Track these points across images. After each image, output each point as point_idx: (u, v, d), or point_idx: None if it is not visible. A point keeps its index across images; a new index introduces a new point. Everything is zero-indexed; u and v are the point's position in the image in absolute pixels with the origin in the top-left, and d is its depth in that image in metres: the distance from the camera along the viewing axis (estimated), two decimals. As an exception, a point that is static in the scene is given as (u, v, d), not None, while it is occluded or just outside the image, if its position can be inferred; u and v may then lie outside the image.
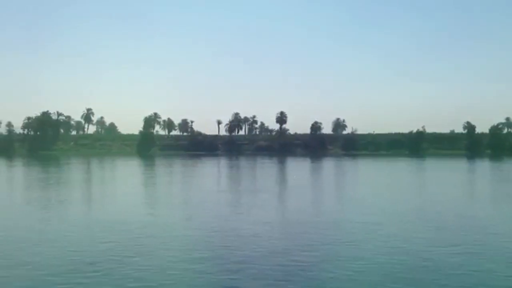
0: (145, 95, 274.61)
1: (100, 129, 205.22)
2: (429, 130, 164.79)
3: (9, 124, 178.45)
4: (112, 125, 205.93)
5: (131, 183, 55.21)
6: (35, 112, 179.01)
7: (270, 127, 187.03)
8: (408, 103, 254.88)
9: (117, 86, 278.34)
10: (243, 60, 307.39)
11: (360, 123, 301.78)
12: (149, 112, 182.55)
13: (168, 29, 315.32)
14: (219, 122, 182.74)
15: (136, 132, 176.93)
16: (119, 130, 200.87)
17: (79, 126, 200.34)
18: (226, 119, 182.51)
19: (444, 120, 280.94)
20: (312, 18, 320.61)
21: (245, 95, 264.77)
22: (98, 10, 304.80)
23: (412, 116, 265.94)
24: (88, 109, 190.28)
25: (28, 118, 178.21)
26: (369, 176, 69.26)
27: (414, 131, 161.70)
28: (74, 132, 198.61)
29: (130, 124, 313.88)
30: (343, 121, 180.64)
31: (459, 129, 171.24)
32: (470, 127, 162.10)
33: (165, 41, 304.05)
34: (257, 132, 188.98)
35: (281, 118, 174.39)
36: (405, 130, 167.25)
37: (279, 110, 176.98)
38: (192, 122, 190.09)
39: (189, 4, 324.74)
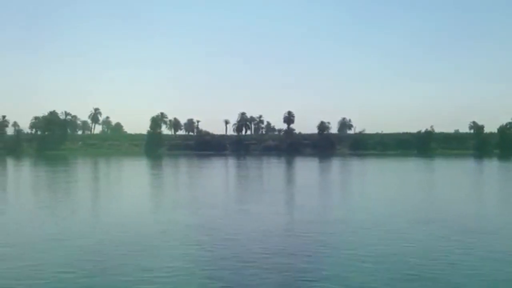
0: (147, 95, 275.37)
1: (106, 129, 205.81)
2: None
3: (15, 124, 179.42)
4: (118, 125, 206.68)
5: (155, 184, 55.40)
6: (42, 112, 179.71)
7: (275, 127, 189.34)
8: (409, 103, 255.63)
9: (119, 86, 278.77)
10: (244, 60, 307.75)
11: (362, 123, 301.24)
12: (153, 112, 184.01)
13: (168, 29, 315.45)
14: (226, 122, 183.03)
15: (142, 132, 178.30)
16: (125, 130, 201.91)
17: (85, 126, 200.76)
18: (230, 118, 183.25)
19: (445, 120, 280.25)
20: (312, 18, 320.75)
21: (245, 95, 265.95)
22: (98, 9, 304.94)
23: (413, 116, 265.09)
24: (96, 109, 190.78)
25: (36, 118, 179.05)
26: (387, 177, 69.07)
27: (422, 131, 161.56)
28: (80, 132, 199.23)
29: (133, 124, 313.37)
30: (349, 120, 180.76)
31: (463, 129, 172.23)
32: (478, 127, 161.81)
33: (166, 41, 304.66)
34: (263, 132, 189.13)
35: (289, 118, 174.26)
36: (408, 129, 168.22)
37: (283, 110, 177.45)
38: (198, 122, 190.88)
39: (189, 4, 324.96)
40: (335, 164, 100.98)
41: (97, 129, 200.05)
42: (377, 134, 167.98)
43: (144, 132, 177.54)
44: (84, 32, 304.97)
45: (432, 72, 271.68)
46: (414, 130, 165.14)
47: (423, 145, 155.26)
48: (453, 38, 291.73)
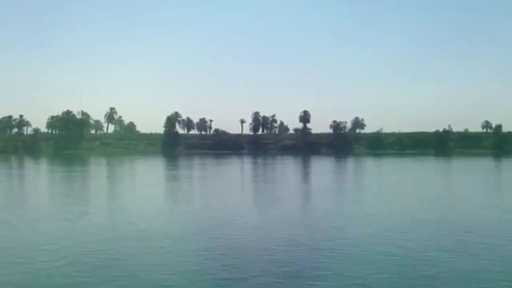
0: (157, 95, 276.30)
1: (119, 128, 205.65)
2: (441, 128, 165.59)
3: (27, 123, 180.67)
4: (131, 124, 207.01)
5: (193, 184, 55.77)
6: (57, 112, 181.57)
7: (288, 126, 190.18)
8: (409, 103, 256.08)
9: (127, 85, 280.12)
10: (252, 59, 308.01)
11: (374, 122, 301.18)
12: (163, 112, 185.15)
13: (174, 28, 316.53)
14: (242, 121, 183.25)
15: (153, 131, 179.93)
16: (137, 129, 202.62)
17: (97, 125, 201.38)
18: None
19: (455, 120, 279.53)
20: (320, 17, 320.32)
21: (254, 94, 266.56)
22: (101, 9, 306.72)
23: (422, 116, 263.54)
24: (112, 108, 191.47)
25: (52, 117, 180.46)
26: (418, 178, 68.88)
27: (441, 130, 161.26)
28: (92, 131, 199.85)
29: (144, 123, 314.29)
30: (362, 120, 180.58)
31: (474, 128, 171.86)
32: (496, 126, 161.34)
33: (172, 40, 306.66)
34: (277, 131, 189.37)
35: (305, 117, 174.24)
36: (415, 129, 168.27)
37: (295, 110, 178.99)
38: (211, 121, 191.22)
39: (193, 3, 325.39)
40: (358, 164, 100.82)
41: (110, 128, 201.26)
42: (394, 134, 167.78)
43: (156, 131, 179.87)
44: (92, 31, 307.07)
45: (439, 72, 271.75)
46: (422, 129, 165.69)
47: (441, 144, 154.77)
48: (458, 38, 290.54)
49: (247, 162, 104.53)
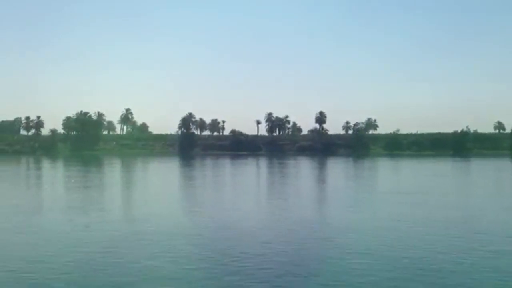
0: (166, 96, 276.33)
1: (131, 129, 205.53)
2: (448, 130, 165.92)
3: (39, 124, 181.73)
4: (144, 125, 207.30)
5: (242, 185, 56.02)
6: (72, 112, 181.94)
7: (301, 127, 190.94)
8: (410, 104, 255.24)
9: (136, 87, 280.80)
10: (262, 60, 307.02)
11: (386, 123, 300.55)
12: (175, 113, 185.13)
13: (180, 29, 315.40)
14: (258, 122, 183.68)
15: (164, 132, 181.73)
16: (150, 130, 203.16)
17: (110, 126, 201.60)
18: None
19: (466, 120, 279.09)
20: (326, 18, 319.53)
21: (263, 95, 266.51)
22: (103, 8, 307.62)
23: (431, 116, 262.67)
24: (127, 109, 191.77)
25: (68, 118, 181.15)
26: (448, 180, 68.75)
27: (459, 131, 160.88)
28: (105, 132, 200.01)
29: (156, 124, 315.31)
30: (375, 120, 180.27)
31: (485, 129, 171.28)
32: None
33: (177, 42, 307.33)
34: (289, 132, 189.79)
35: (321, 118, 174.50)
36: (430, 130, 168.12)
37: (307, 110, 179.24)
38: (224, 122, 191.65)
39: (197, 4, 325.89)
40: (386, 165, 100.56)
41: (122, 129, 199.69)
42: (411, 134, 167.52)
43: (166, 132, 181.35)
44: (91, 32, 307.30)
45: (445, 72, 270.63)
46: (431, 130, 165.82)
47: (459, 145, 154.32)
48: (463, 38, 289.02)
49: (270, 163, 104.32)
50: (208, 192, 47.56)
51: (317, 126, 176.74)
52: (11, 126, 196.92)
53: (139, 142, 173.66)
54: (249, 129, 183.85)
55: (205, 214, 30.93)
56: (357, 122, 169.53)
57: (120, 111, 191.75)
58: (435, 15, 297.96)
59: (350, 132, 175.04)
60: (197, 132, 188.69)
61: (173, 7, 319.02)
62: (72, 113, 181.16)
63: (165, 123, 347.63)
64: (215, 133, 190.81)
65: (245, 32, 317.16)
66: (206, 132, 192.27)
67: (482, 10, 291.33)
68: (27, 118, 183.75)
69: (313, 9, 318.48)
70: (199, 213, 31.51)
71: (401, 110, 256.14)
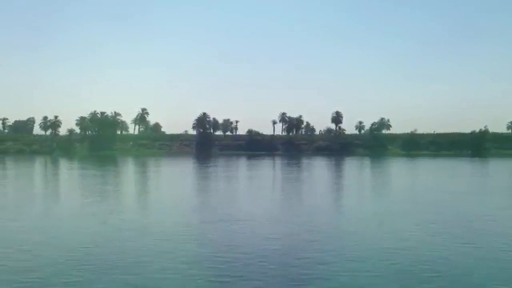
0: (177, 96, 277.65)
1: (145, 129, 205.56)
2: (463, 130, 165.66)
3: (54, 123, 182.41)
4: (157, 125, 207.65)
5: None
6: (86, 112, 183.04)
7: (314, 127, 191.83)
8: (411, 104, 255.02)
9: (144, 87, 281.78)
10: (263, 61, 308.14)
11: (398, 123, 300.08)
12: (187, 112, 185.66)
13: (187, 30, 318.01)
14: (274, 122, 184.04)
15: (177, 132, 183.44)
16: (163, 130, 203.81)
17: (123, 125, 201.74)
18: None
19: (474, 121, 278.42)
20: (330, 19, 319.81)
21: (266, 95, 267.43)
22: (104, 9, 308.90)
23: (440, 116, 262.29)
24: (143, 109, 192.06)
25: (82, 118, 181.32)
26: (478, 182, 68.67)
27: (477, 130, 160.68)
28: (118, 132, 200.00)
29: (168, 124, 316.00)
30: (388, 120, 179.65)
31: (495, 129, 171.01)
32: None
33: (184, 43, 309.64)
34: (302, 132, 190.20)
35: (337, 118, 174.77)
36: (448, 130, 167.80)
37: (319, 111, 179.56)
38: (237, 122, 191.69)
39: (204, 4, 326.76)
40: (410, 165, 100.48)
41: (135, 129, 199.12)
42: (429, 134, 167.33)
43: (180, 132, 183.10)
44: (94, 32, 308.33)
45: (452, 72, 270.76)
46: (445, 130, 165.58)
47: (477, 145, 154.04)
48: (468, 39, 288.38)
49: (292, 163, 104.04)
50: (261, 196, 47.76)
51: (333, 126, 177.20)
52: (24, 126, 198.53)
53: (156, 142, 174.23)
54: (262, 129, 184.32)
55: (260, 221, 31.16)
56: (374, 122, 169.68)
57: (130, 111, 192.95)
58: (451, 15, 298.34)
59: (363, 131, 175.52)
60: (210, 131, 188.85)
61: (184, 7, 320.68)
62: (85, 113, 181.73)
63: (176, 123, 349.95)
64: (228, 133, 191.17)
65: (254, 34, 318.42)
66: (219, 132, 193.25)
67: (500, 11, 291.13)
68: (45, 118, 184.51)
69: (325, 10, 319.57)
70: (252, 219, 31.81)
71: (412, 110, 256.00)
